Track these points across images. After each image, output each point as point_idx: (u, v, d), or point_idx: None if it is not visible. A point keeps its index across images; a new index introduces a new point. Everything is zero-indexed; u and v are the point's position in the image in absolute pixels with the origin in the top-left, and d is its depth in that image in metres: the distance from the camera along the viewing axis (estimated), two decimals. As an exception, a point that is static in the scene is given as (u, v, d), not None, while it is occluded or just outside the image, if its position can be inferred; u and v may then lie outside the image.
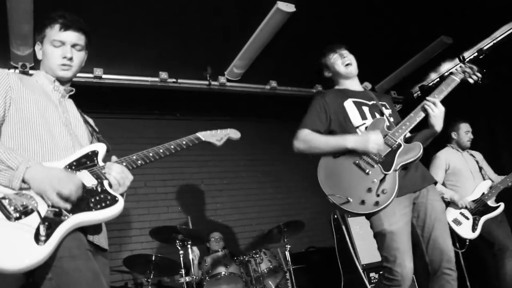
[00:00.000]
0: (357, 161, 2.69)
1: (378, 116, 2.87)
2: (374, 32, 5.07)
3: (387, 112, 2.93)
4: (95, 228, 1.84)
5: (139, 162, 1.98)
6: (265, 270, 4.56)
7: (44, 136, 1.85)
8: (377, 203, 2.55)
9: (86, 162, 1.85)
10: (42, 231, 1.53)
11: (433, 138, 2.84)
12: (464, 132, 4.72)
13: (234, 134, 2.45)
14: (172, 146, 2.11)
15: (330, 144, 2.74)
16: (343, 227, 5.12)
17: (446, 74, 2.99)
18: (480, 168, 4.63)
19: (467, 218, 4.35)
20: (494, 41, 5.63)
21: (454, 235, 4.25)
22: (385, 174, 2.61)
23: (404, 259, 2.52)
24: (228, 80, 5.52)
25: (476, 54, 5.78)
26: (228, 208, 6.27)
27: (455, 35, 5.37)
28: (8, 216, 1.52)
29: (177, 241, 4.35)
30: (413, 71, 6.12)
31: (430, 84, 6.65)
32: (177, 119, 6.21)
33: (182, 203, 5.98)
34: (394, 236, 2.54)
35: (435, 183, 2.92)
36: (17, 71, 4.25)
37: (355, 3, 4.52)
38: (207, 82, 5.35)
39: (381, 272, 2.68)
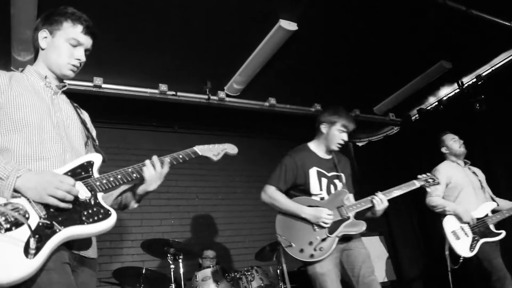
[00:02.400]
0: None
1: (332, 188, 3.41)
2: (375, 54, 5.11)
3: (339, 185, 3.46)
4: (81, 240, 1.78)
5: (134, 175, 1.94)
6: (256, 288, 4.50)
7: (34, 140, 1.80)
8: (312, 256, 3.12)
9: (81, 172, 1.81)
10: (32, 244, 1.49)
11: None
12: (451, 141, 4.58)
13: (231, 149, 2.35)
14: (168, 160, 2.04)
15: (289, 209, 3.29)
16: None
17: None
18: (482, 185, 4.47)
19: (467, 235, 4.17)
20: (493, 68, 5.68)
21: (448, 249, 4.19)
22: (328, 236, 3.15)
23: None
24: (228, 96, 5.53)
25: (474, 80, 5.83)
26: (222, 223, 6.22)
27: (455, 61, 5.42)
28: None
29: (169, 255, 4.30)
30: (412, 94, 6.16)
31: (428, 108, 6.69)
32: (175, 131, 6.19)
33: (175, 217, 5.93)
34: (325, 276, 3.09)
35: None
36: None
37: (357, 24, 4.56)
38: (206, 97, 5.35)
39: None
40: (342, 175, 3.50)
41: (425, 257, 6.69)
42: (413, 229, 6.95)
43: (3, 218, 1.50)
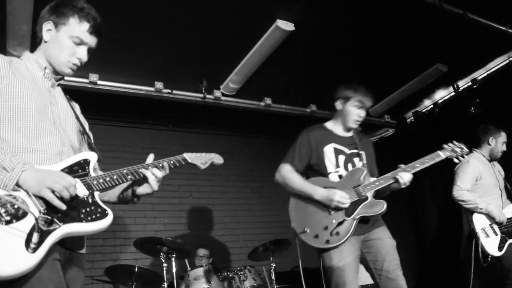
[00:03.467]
0: None
1: (350, 167, 3.15)
2: (371, 56, 5.12)
3: (359, 164, 3.19)
4: (74, 237, 1.75)
5: (129, 177, 1.94)
6: (248, 287, 4.50)
7: (31, 131, 1.75)
8: (327, 242, 2.89)
9: (78, 170, 1.79)
10: (35, 238, 1.47)
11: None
12: (502, 142, 4.42)
13: (217, 159, 2.51)
14: (161, 165, 2.08)
15: (302, 190, 3.07)
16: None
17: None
18: (506, 185, 4.36)
19: (496, 234, 4.07)
20: (488, 72, 5.71)
21: (476, 246, 4.05)
22: (345, 219, 2.91)
23: None
24: (223, 95, 5.51)
25: (470, 83, 5.85)
26: (215, 222, 6.22)
27: (451, 64, 5.44)
28: None
29: (162, 254, 4.29)
30: (408, 96, 6.17)
31: (424, 110, 6.70)
32: (170, 130, 6.18)
33: (168, 215, 5.92)
34: (341, 271, 2.86)
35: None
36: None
37: (354, 26, 4.56)
38: (202, 95, 5.34)
39: None
40: (363, 153, 3.24)
41: (419, 256, 6.72)
42: (407, 227, 6.97)
43: (4, 210, 1.47)
